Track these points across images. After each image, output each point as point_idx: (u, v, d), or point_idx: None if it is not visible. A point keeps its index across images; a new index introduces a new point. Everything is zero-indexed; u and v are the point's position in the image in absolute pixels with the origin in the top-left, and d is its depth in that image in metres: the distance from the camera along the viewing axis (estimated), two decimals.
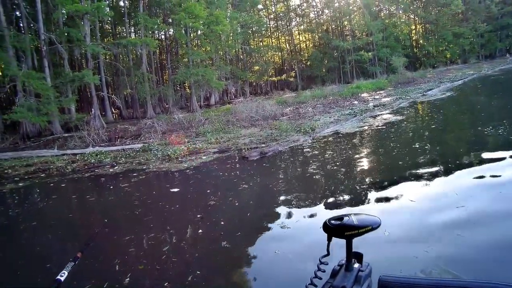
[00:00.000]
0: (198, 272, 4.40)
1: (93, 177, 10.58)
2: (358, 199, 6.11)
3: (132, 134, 19.01)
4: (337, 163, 8.90)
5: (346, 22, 54.11)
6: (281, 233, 5.19)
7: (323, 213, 5.68)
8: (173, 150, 12.54)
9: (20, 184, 10.57)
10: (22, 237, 6.47)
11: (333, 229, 0.98)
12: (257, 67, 52.80)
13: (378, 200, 5.89)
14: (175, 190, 8.13)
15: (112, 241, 5.69)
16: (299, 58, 57.23)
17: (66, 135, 20.47)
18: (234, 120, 19.92)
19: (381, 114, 16.50)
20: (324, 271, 1.00)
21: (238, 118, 20.34)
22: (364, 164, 8.60)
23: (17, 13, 24.82)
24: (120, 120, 30.42)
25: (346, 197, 6.33)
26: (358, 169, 8.17)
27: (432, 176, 6.67)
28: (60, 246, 5.85)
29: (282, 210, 6.12)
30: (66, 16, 26.83)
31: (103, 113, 30.45)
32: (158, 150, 13.05)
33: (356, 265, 1.01)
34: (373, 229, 0.98)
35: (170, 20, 32.69)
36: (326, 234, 1.00)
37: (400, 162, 8.10)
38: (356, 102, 23.30)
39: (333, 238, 1.01)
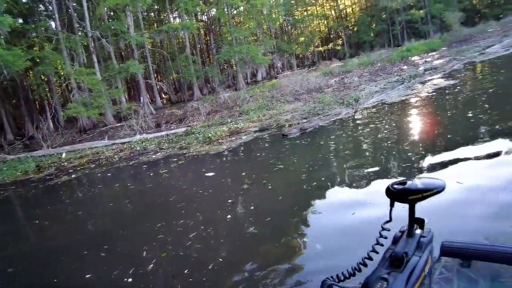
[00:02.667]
0: (220, 259, 4.35)
1: (137, 164, 10.91)
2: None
3: (178, 118, 19.40)
4: (379, 138, 8.33)
5: None
6: (313, 219, 4.96)
7: (357, 198, 5.32)
8: (214, 132, 12.57)
9: (73, 176, 11.17)
10: (67, 227, 6.78)
11: (396, 193, 0.91)
12: (302, 38, 51.34)
13: None
14: (210, 174, 8.12)
15: (144, 228, 5.80)
16: (345, 25, 54.53)
17: (118, 124, 21.38)
18: (279, 96, 19.60)
19: (431, 79, 15.27)
20: (386, 238, 0.95)
21: (282, 93, 19.99)
22: (408, 138, 7.83)
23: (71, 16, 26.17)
24: (167, 105, 31.19)
25: (384, 180, 5.74)
26: (401, 144, 7.46)
27: (486, 153, 5.70)
28: (94, 236, 6.03)
29: (315, 193, 5.84)
30: (111, 12, 27.80)
31: (153, 99, 31.41)
32: (200, 133, 13.16)
33: (418, 231, 0.96)
34: (438, 192, 0.91)
35: (212, 0, 32.57)
36: (388, 200, 0.93)
37: (449, 136, 7.22)
38: (405, 67, 21.83)
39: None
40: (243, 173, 7.69)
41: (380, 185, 5.41)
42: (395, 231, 0.96)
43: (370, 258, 0.92)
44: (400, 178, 0.92)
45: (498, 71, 14.60)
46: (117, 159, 12.25)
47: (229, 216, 5.58)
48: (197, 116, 18.06)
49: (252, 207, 5.74)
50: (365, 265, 0.91)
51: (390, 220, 0.96)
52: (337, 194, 5.60)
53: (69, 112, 20.81)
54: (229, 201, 6.18)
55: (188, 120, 17.64)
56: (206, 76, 34.64)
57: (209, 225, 5.45)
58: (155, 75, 38.71)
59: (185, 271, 4.20)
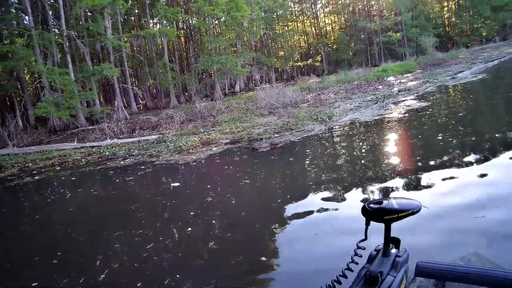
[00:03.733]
0: (177, 275, 4.27)
1: (103, 170, 10.71)
2: (360, 204, 5.49)
3: (152, 125, 19.17)
4: (349, 158, 8.41)
5: (373, 2, 52.06)
6: (274, 238, 4.91)
7: (321, 218, 5.27)
8: (185, 141, 12.50)
9: (36, 178, 10.87)
10: (21, 231, 6.59)
11: (372, 212, 0.94)
12: (282, 53, 52.01)
13: None
14: (176, 184, 8.07)
15: (101, 236, 5.71)
16: (325, 42, 55.83)
17: (90, 127, 20.92)
18: (254, 108, 19.71)
19: (404, 100, 15.53)
20: (361, 256, 0.96)
21: (257, 106, 20.10)
22: (377, 160, 7.80)
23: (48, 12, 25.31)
24: (143, 111, 30.81)
25: (348, 202, 5.70)
26: (369, 165, 7.51)
27: (454, 177, 5.75)
28: (48, 242, 5.87)
29: (279, 211, 5.77)
30: (89, 12, 27.34)
31: (129, 104, 30.98)
32: (171, 142, 13.06)
33: (394, 251, 0.99)
34: (413, 213, 0.94)
35: (193, 9, 32.53)
36: (364, 219, 0.97)
37: (417, 158, 7.25)
38: (380, 86, 22.33)
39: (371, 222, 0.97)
40: (209, 186, 7.65)
41: (345, 206, 5.49)
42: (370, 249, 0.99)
43: (345, 276, 0.93)
44: (375, 198, 0.96)
45: (467, 96, 15.12)
46: (84, 163, 12.00)
47: (189, 228, 5.54)
48: (171, 124, 17.94)
49: (213, 221, 5.72)
50: (339, 282, 0.92)
51: (366, 238, 0.98)
52: (301, 213, 5.52)
53: (39, 111, 20.21)
54: (191, 213, 6.15)
55: (161, 127, 17.49)
56: (184, 85, 34.45)
57: (169, 236, 5.41)
58: (134, 80, 38.29)
59: (138, 284, 4.14)
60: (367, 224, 0.96)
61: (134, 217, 6.35)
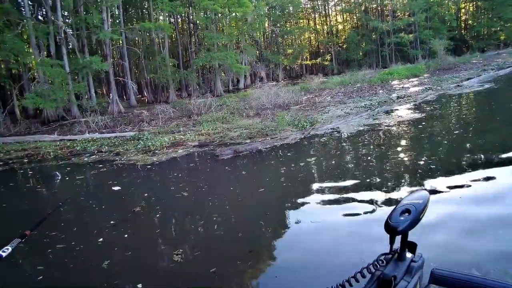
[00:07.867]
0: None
1: (64, 165, 10.72)
2: (309, 231, 4.99)
3: (139, 120, 19.04)
4: (312, 176, 7.55)
5: (386, 1, 50.71)
6: (176, 263, 4.43)
7: (245, 245, 4.79)
8: (155, 141, 12.25)
9: None
10: None
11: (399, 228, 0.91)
12: (290, 50, 51.39)
13: None
14: (117, 188, 7.87)
15: (6, 234, 5.47)
16: (335, 41, 54.92)
17: (83, 119, 20.87)
18: (243, 108, 19.29)
19: (398, 109, 14.59)
20: (377, 268, 0.91)
21: (248, 106, 19.70)
22: (343, 182, 6.70)
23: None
24: (140, 105, 30.65)
25: (291, 228, 5.18)
26: (332, 186, 6.56)
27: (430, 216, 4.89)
28: None
29: (208, 232, 5.32)
30: (87, 4, 27.17)
31: (129, 98, 30.97)
32: (144, 140, 12.79)
33: (409, 255, 0.97)
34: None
35: (197, 6, 32.23)
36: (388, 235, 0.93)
37: (389, 183, 6.33)
38: (381, 91, 21.49)
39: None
40: (146, 194, 7.34)
41: (286, 234, 5.05)
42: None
43: (356, 280, 0.88)
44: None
45: (469, 108, 13.99)
46: (52, 157, 11.98)
47: (101, 239, 5.33)
48: (156, 121, 17.78)
49: (126, 235, 5.38)
50: (350, 284, 0.87)
51: (390, 253, 0.95)
52: (228, 237, 5.10)
53: (25, 102, 20.27)
54: (112, 222, 5.92)
55: (143, 124, 17.38)
56: (186, 80, 34.15)
57: (79, 243, 5.21)
58: (135, 73, 38.22)
59: None
60: (394, 239, 0.93)
61: (54, 218, 6.11)
